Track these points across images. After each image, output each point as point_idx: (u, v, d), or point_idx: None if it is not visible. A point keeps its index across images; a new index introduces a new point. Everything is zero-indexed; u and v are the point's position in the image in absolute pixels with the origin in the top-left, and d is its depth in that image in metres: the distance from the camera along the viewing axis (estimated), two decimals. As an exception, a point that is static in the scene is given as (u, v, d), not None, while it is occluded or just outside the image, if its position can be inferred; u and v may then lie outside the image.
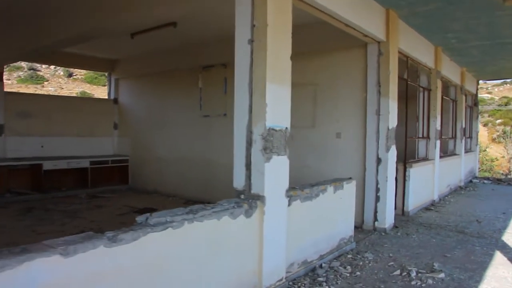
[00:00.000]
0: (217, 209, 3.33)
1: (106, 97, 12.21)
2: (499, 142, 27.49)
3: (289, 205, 4.03)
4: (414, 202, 7.72)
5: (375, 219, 6.32)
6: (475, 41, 8.30)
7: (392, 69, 6.36)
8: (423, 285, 4.09)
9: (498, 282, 4.22)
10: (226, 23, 4.54)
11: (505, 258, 5.03)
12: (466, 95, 12.54)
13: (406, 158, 7.84)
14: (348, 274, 4.35)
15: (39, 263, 2.13)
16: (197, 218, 3.11)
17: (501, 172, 21.85)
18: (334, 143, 6.90)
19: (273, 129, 3.72)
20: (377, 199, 6.31)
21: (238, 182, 3.83)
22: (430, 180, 8.84)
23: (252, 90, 3.72)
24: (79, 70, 31.27)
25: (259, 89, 3.67)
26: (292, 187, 4.29)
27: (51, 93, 26.27)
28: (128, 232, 2.67)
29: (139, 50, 9.83)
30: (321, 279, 4.18)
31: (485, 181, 13.18)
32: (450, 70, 10.27)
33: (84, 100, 14.38)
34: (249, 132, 3.73)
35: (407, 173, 7.52)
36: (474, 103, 14.53)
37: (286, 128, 3.91)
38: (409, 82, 7.67)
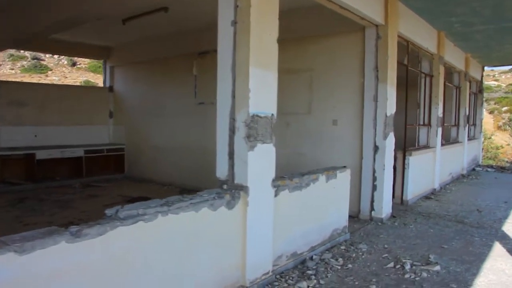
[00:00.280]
0: (195, 201, 3.15)
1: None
2: (505, 130, 27.11)
3: (276, 195, 3.84)
4: (413, 190, 7.51)
5: (372, 208, 6.13)
6: (479, 25, 7.99)
7: (390, 53, 6.11)
8: (416, 278, 3.91)
9: (495, 275, 4.03)
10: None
11: (504, 250, 4.84)
12: (470, 82, 12.22)
13: (406, 146, 7.63)
14: (339, 267, 4.18)
15: (-12, 261, 1.96)
16: (172, 211, 2.94)
17: (506, 160, 21.55)
18: (330, 130, 6.68)
19: (257, 116, 3.52)
20: (374, 188, 6.11)
21: (221, 171, 3.64)
22: (431, 168, 8.62)
23: (235, 75, 3.51)
24: (83, 59, 31.10)
25: (242, 73, 3.46)
26: (280, 176, 4.10)
27: (55, 82, 26.13)
28: (94, 226, 2.50)
29: (133, 37, 9.61)
30: (310, 272, 4.01)
31: (489, 169, 12.93)
32: (454, 56, 9.97)
33: (79, 89, 14.14)
34: (232, 119, 3.53)
35: (406, 161, 7.30)
36: (479, 90, 14.20)
37: (272, 114, 3.70)
38: (409, 68, 7.41)
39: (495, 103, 34.23)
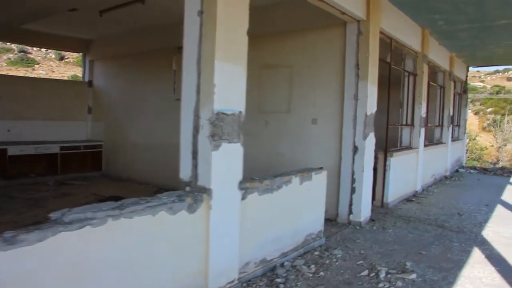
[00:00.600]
0: (152, 204, 2.90)
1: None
2: (489, 131, 27.28)
3: (243, 198, 3.61)
4: (394, 193, 7.35)
5: (350, 212, 5.93)
6: (463, 24, 7.85)
7: (372, 50, 5.91)
8: (391, 287, 3.72)
9: (472, 284, 3.86)
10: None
11: (483, 256, 4.68)
12: (455, 82, 12.15)
13: (389, 146, 7.47)
14: (310, 275, 3.96)
15: None
16: (124, 214, 2.69)
17: (490, 161, 21.65)
18: (309, 130, 6.46)
19: (223, 113, 3.28)
20: (353, 190, 5.92)
21: (184, 172, 3.39)
22: (413, 169, 8.47)
23: (200, 69, 3.27)
24: (71, 54, 30.61)
25: (208, 68, 3.22)
26: (251, 178, 3.88)
27: (42, 76, 25.59)
28: (33, 232, 2.25)
29: (113, 30, 9.32)
30: (279, 280, 3.78)
31: (472, 171, 12.87)
32: (438, 55, 9.84)
33: (57, 82, 13.68)
34: (196, 117, 3.28)
35: (387, 163, 7.13)
36: (464, 90, 14.13)
37: (240, 112, 3.46)
38: (392, 66, 7.24)
39: (480, 104, 34.51)
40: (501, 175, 12.24)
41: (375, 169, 6.59)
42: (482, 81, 44.81)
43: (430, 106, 9.79)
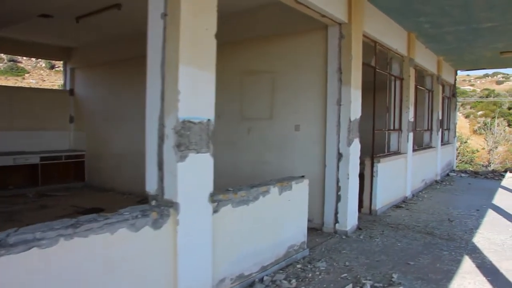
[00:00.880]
0: (111, 220, 2.66)
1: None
2: (480, 134, 27.32)
3: (216, 211, 3.38)
4: (382, 200, 7.14)
5: (336, 220, 5.71)
6: (450, 26, 7.71)
7: (355, 54, 5.73)
8: (375, 302, 3.50)
9: (462, 298, 3.65)
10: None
11: (474, 265, 4.47)
12: (443, 85, 12.03)
13: (376, 152, 7.28)
14: (290, 290, 3.74)
15: None
16: (79, 233, 2.45)
17: (481, 163, 21.60)
18: (293, 136, 6.25)
19: (190, 122, 3.05)
20: (338, 198, 5.70)
21: (150, 185, 3.16)
22: (402, 175, 8.28)
23: (164, 73, 3.05)
24: (60, 62, 30.39)
25: (172, 72, 3.00)
26: (225, 189, 3.66)
27: (32, 86, 25.23)
28: (-34, 256, 2.02)
29: (93, 37, 9.12)
30: (257, 297, 3.56)
31: (463, 175, 12.73)
32: (426, 59, 9.71)
33: (37, 91, 13.42)
34: (161, 125, 3.06)
35: (374, 169, 6.93)
36: (453, 93, 14.05)
37: (209, 120, 3.23)
38: (377, 70, 7.07)
39: (470, 108, 34.64)
40: (492, 178, 12.11)
41: (362, 176, 6.40)
42: (472, 85, 45.09)
43: (419, 110, 9.65)
